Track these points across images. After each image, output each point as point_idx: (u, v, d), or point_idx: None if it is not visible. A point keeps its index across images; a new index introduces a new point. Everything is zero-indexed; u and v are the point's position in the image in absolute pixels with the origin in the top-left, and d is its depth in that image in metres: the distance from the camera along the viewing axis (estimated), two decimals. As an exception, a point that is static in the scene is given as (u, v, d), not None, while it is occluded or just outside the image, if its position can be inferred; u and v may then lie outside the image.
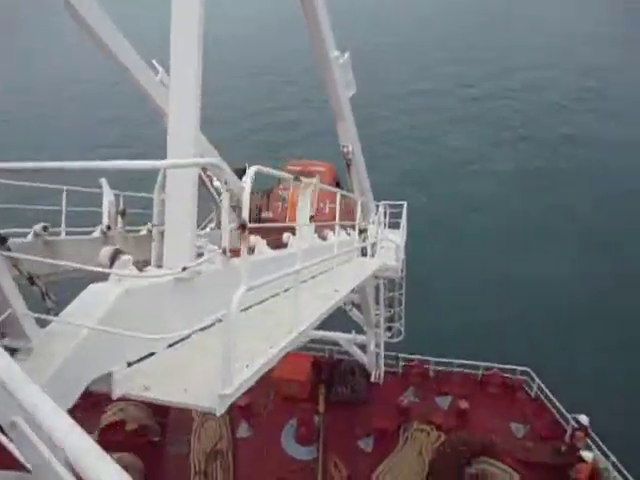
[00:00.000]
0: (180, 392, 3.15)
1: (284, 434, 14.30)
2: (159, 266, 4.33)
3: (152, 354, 3.48)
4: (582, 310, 21.77)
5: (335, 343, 16.02)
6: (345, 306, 14.64)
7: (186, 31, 4.17)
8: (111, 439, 13.25)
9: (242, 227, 2.94)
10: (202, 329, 3.58)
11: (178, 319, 3.64)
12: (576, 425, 12.82)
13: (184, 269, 2.94)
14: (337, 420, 14.51)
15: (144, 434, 13.66)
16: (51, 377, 2.56)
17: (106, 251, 3.44)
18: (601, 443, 12.32)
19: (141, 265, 3.99)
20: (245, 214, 2.99)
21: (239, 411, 14.69)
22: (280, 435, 14.28)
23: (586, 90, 47.74)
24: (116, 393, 3.00)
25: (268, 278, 3.32)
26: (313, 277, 7.29)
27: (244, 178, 3.09)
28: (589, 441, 12.49)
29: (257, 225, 8.89)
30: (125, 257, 3.40)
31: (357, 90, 9.27)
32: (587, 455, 11.99)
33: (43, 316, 2.83)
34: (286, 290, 5.27)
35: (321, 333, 15.18)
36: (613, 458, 11.88)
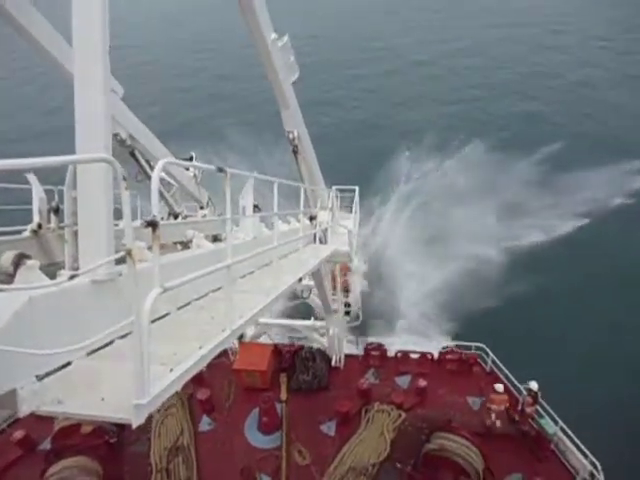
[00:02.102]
0: (97, 403, 2.95)
1: (247, 424, 14.21)
2: (75, 268, 4.05)
3: (69, 364, 3.26)
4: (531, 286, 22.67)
5: (295, 329, 16.00)
6: (303, 293, 14.60)
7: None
8: (66, 443, 12.74)
9: (152, 225, 2.72)
10: (124, 336, 3.37)
11: (99, 324, 3.41)
12: (527, 393, 13.41)
13: (72, 277, 2.70)
14: (300, 407, 14.55)
15: (100, 435, 13.22)
16: None
17: (8, 256, 3.17)
18: (550, 410, 12.92)
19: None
20: (155, 211, 2.78)
21: (200, 405, 14.48)
22: (243, 426, 14.17)
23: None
24: (23, 411, 2.76)
25: (189, 277, 3.14)
26: (259, 268, 7.16)
27: (153, 173, 2.87)
28: (538, 408, 13.08)
29: (195, 220, 8.59)
30: (30, 262, 3.13)
31: None
32: (498, 387, 13.11)
33: None
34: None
35: (280, 321, 15.09)
36: (562, 423, 12.49)
